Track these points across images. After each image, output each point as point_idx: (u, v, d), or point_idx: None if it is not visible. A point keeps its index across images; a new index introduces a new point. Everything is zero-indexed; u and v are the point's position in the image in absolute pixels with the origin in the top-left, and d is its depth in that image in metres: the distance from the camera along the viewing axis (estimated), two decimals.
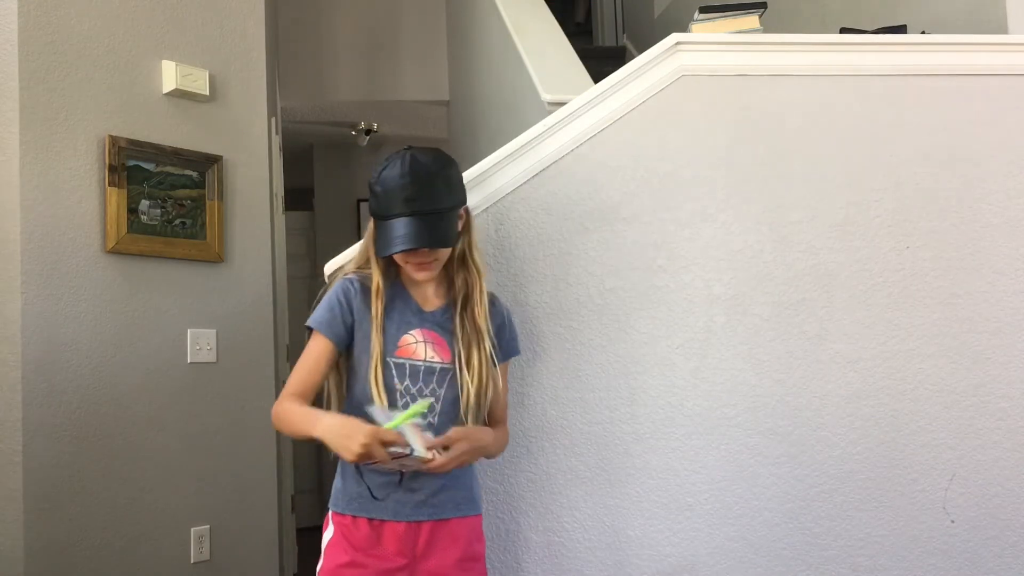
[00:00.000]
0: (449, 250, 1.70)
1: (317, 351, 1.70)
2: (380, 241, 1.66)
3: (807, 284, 2.06)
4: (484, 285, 1.74)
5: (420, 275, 1.69)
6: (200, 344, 2.91)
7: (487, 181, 2.01)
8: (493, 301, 1.79)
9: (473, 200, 1.99)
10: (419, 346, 1.69)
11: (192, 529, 2.85)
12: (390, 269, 1.72)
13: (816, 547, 2.02)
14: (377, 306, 1.68)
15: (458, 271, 1.74)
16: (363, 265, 1.75)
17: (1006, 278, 2.11)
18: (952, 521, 2.06)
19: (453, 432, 1.61)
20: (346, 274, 1.76)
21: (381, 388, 1.64)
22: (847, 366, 2.05)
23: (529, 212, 2.01)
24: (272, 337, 3.15)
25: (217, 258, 2.95)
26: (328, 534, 1.71)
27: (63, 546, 2.58)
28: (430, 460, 1.54)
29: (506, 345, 1.79)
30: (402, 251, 1.62)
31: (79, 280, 2.67)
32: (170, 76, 2.90)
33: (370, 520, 1.67)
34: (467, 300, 1.72)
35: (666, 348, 2.02)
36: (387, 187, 1.63)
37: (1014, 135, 2.14)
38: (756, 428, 2.02)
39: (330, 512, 1.72)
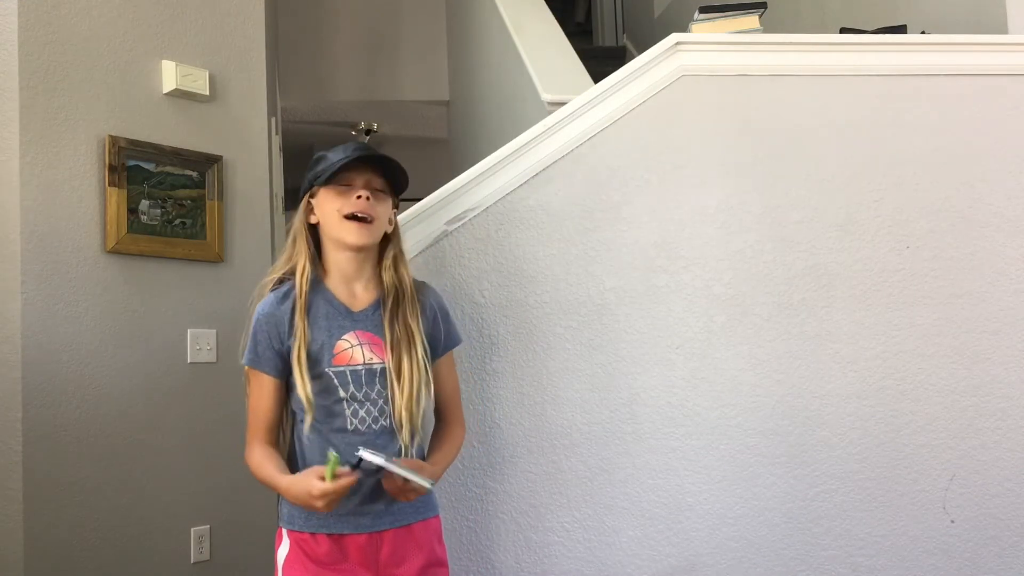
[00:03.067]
0: (387, 223, 1.67)
1: (266, 390, 1.64)
2: (328, 172, 1.62)
3: (807, 284, 2.06)
4: (413, 289, 1.69)
5: (358, 235, 1.62)
6: (200, 344, 2.91)
7: (487, 181, 2.01)
8: (422, 290, 1.73)
9: (473, 200, 2.00)
10: (355, 350, 1.63)
11: (192, 529, 2.85)
12: (314, 263, 1.67)
13: (816, 547, 2.02)
14: (302, 284, 1.63)
15: (387, 270, 1.68)
16: (290, 258, 1.69)
17: (1006, 278, 2.11)
18: (952, 521, 2.06)
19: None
20: (273, 272, 1.70)
21: (305, 370, 1.59)
22: (847, 366, 2.05)
23: (529, 212, 2.01)
24: None
25: (217, 258, 2.96)
26: (283, 550, 1.63)
27: (63, 546, 2.58)
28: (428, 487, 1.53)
29: (443, 338, 1.74)
30: (356, 160, 1.61)
31: (79, 280, 2.67)
32: (170, 76, 2.90)
33: (330, 536, 1.61)
34: (396, 302, 1.66)
35: (666, 348, 2.02)
36: (340, 148, 1.65)
37: (1014, 135, 2.14)
38: (756, 428, 2.02)
39: (282, 528, 1.65)
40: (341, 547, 1.61)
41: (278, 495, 1.66)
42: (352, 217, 1.63)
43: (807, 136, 2.10)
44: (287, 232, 1.73)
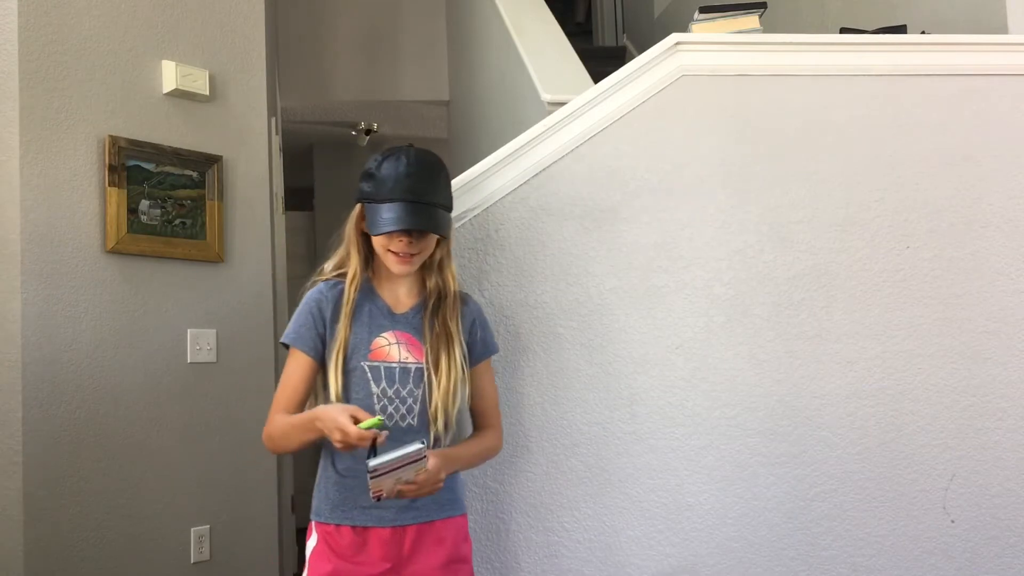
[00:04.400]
0: (431, 249, 1.71)
1: (299, 369, 1.70)
2: (374, 221, 1.65)
3: (807, 284, 2.06)
4: (456, 292, 1.74)
5: (400, 267, 1.68)
6: (200, 344, 2.91)
7: (487, 181, 2.01)
8: (465, 300, 1.79)
9: (473, 200, 2.00)
10: (392, 348, 1.69)
11: (192, 529, 2.85)
12: (365, 268, 1.73)
13: (816, 547, 2.02)
14: (349, 293, 1.68)
15: (431, 275, 1.74)
16: (342, 261, 1.75)
17: (1006, 278, 2.11)
18: (952, 521, 2.06)
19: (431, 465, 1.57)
20: (323, 275, 1.76)
21: (340, 373, 1.64)
22: (847, 366, 2.05)
23: (529, 212, 2.01)
24: (272, 337, 3.15)
25: (217, 258, 2.95)
26: (311, 543, 1.69)
27: (63, 546, 2.58)
28: (423, 455, 1.51)
29: (480, 345, 1.78)
30: (398, 231, 1.63)
31: (79, 280, 2.67)
32: (170, 76, 2.90)
33: (353, 528, 1.65)
34: (438, 303, 1.72)
35: (666, 348, 2.02)
36: (390, 174, 1.65)
37: (1014, 135, 2.14)
38: (756, 428, 2.02)
39: (312, 521, 1.71)
40: (364, 540, 1.65)
41: (314, 491, 1.71)
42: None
43: (807, 136, 2.10)
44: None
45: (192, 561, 2.84)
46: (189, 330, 2.89)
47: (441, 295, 1.73)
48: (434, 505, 1.68)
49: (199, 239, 2.92)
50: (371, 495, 1.51)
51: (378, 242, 1.68)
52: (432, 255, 1.73)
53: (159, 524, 2.78)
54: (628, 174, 2.04)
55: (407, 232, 1.64)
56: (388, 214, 1.63)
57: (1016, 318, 2.10)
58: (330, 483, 1.69)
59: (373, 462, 1.48)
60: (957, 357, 2.08)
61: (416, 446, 1.49)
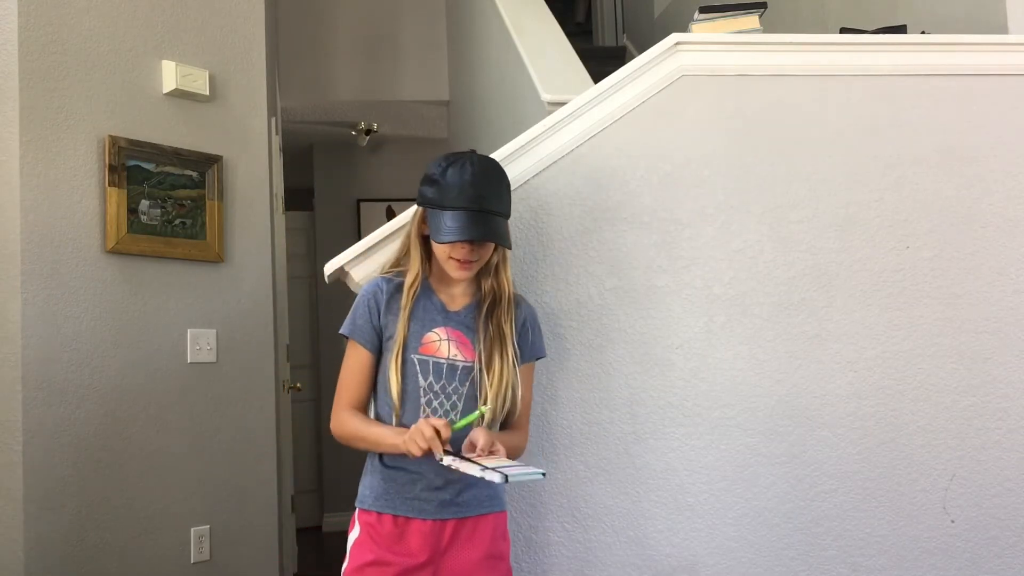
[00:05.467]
0: (489, 255, 1.73)
1: (359, 362, 1.73)
2: (438, 228, 1.67)
3: (807, 284, 2.06)
4: (512, 295, 1.77)
5: (460, 273, 1.71)
6: (200, 344, 2.91)
7: None
8: (518, 302, 1.81)
9: None
10: (443, 344, 1.71)
11: (192, 529, 2.85)
12: (423, 266, 1.75)
13: (816, 547, 2.02)
14: (408, 295, 1.71)
15: (487, 278, 1.76)
16: (399, 260, 1.78)
17: (1006, 278, 2.11)
18: (952, 521, 2.06)
19: (481, 436, 1.61)
20: (381, 273, 1.79)
21: (398, 376, 1.67)
22: (847, 366, 2.05)
23: (529, 212, 2.01)
24: (272, 337, 3.15)
25: (217, 258, 2.96)
26: (354, 534, 1.73)
27: (63, 546, 2.58)
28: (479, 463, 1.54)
29: (528, 346, 1.79)
30: (462, 240, 1.64)
31: (79, 280, 2.67)
32: (170, 76, 2.90)
33: (395, 517, 1.68)
34: (493, 304, 1.74)
35: (666, 348, 2.02)
36: (455, 182, 1.66)
37: (1014, 135, 2.14)
38: (756, 428, 2.02)
39: (356, 511, 1.74)
40: (403, 531, 1.68)
41: (360, 481, 1.75)
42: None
43: (807, 136, 2.10)
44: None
45: (192, 561, 2.84)
46: (189, 330, 2.89)
47: (496, 297, 1.75)
48: (474, 501, 1.70)
49: (199, 239, 2.92)
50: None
51: (440, 248, 1.70)
52: (489, 260, 1.74)
53: (159, 524, 2.78)
54: (628, 174, 2.04)
55: (470, 240, 1.66)
56: (452, 223, 1.64)
57: (1016, 318, 2.10)
58: (376, 474, 1.72)
59: (447, 460, 1.54)
60: (957, 357, 2.08)
61: (495, 479, 1.50)
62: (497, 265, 1.76)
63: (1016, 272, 2.11)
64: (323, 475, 5.70)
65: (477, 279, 1.77)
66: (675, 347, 2.02)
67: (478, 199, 1.66)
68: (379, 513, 1.69)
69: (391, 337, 1.70)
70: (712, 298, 2.04)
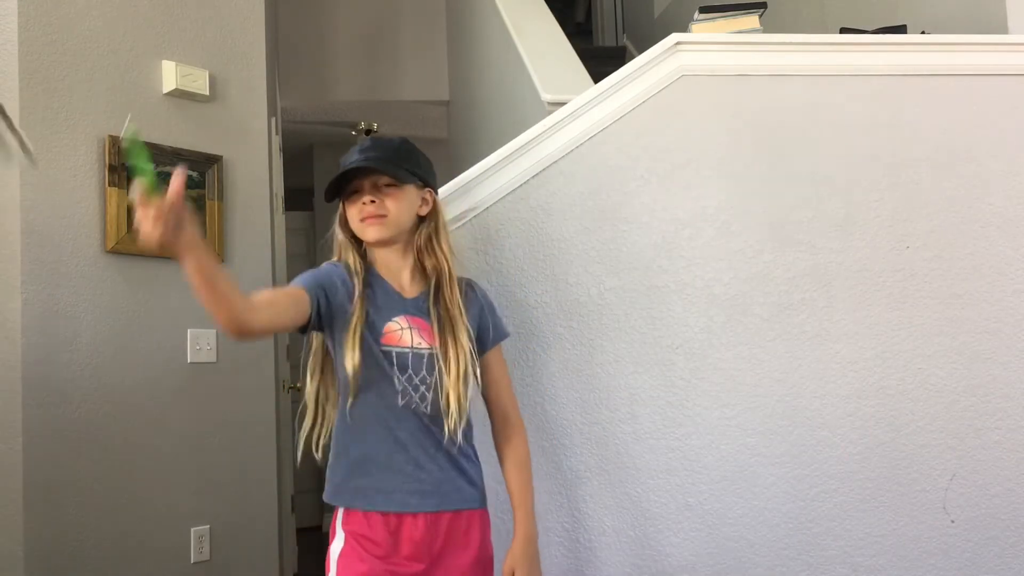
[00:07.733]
0: (403, 213, 1.68)
1: (290, 289, 1.63)
2: (329, 191, 1.69)
3: (807, 284, 2.06)
4: (453, 271, 1.72)
5: (371, 232, 1.66)
6: (200, 344, 2.91)
7: (487, 181, 2.01)
8: (472, 286, 1.77)
9: (473, 200, 2.00)
10: (404, 332, 1.66)
11: (192, 529, 2.85)
12: (362, 259, 1.71)
13: (816, 547, 2.02)
14: (357, 274, 1.67)
15: (427, 258, 1.71)
16: (339, 255, 1.75)
17: (1006, 278, 2.11)
18: (952, 521, 2.06)
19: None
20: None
21: (357, 351, 1.60)
22: (847, 366, 2.05)
23: (529, 212, 2.01)
24: (272, 337, 3.15)
25: (217, 258, 2.96)
26: (337, 544, 1.64)
27: (63, 546, 2.58)
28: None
29: (491, 330, 1.76)
30: (341, 174, 1.66)
31: (79, 280, 2.67)
32: (170, 76, 2.90)
33: (384, 517, 1.61)
34: (438, 287, 1.69)
35: (666, 348, 2.02)
36: (348, 152, 1.69)
37: (1014, 135, 2.14)
38: (756, 428, 2.02)
39: (339, 515, 1.66)
40: (396, 539, 1.62)
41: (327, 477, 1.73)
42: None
43: (807, 136, 2.10)
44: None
45: (192, 561, 2.84)
46: (189, 330, 2.89)
47: (439, 278, 1.70)
48: (455, 494, 1.66)
49: None
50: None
51: (352, 215, 1.69)
52: (419, 233, 1.71)
53: (159, 524, 2.78)
54: (628, 174, 2.04)
55: (372, 188, 1.66)
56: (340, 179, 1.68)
57: (1016, 318, 2.10)
58: (345, 466, 1.68)
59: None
60: (957, 357, 2.08)
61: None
62: (429, 237, 1.71)
63: (1016, 272, 2.11)
64: (323, 475, 5.69)
65: (420, 262, 1.72)
66: (675, 347, 2.02)
67: (362, 151, 1.68)
68: (364, 512, 1.62)
69: (352, 314, 1.63)
70: (712, 298, 2.04)
